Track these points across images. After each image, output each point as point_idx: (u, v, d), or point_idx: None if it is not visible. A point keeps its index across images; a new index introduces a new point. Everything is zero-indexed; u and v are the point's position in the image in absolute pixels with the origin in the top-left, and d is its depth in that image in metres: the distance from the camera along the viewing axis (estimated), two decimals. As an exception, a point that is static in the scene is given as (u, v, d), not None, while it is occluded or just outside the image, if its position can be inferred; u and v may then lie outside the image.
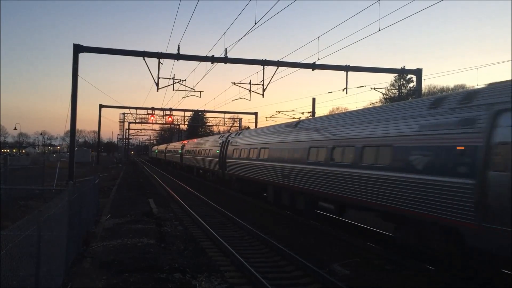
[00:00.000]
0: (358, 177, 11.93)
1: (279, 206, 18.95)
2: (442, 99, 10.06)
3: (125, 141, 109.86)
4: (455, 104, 9.29)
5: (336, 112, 24.47)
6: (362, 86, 30.85)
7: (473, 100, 8.82)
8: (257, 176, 20.96)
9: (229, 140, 27.76)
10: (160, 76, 26.98)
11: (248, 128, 60.43)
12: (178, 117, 68.64)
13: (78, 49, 24.87)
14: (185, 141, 53.35)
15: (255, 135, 23.68)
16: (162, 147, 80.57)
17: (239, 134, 27.46)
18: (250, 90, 30.05)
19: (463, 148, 8.53)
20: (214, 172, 31.96)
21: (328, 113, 27.05)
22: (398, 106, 12.48)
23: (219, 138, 32.47)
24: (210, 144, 34.39)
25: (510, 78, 9.39)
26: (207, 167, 34.29)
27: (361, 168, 11.85)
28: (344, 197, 12.73)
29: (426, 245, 9.90)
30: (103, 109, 63.93)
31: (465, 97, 9.17)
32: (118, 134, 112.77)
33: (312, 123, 17.27)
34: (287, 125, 19.86)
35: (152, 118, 63.19)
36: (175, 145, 60.66)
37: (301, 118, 38.71)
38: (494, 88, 8.78)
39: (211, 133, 79.14)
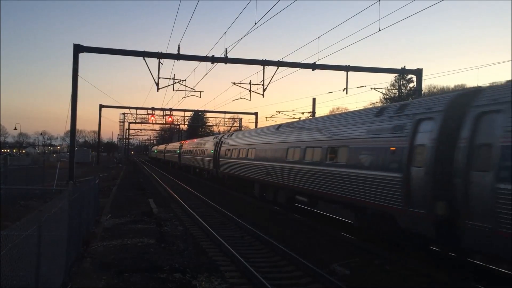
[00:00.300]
0: (323, 173, 14.07)
1: (265, 200, 20.92)
2: (384, 108, 12.37)
3: (125, 141, 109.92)
4: (392, 113, 11.44)
5: (312, 117, 27.61)
6: (362, 86, 30.87)
7: (404, 111, 10.98)
8: (246, 174, 23.07)
9: (222, 141, 29.86)
10: (160, 76, 27.05)
11: (241, 129, 60.92)
12: (178, 117, 68.75)
13: (78, 49, 24.89)
14: (183, 142, 55.45)
15: (244, 136, 26.00)
16: (162, 147, 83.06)
17: (230, 136, 29.44)
18: (250, 90, 30.08)
19: (394, 148, 10.69)
20: (209, 171, 33.78)
21: (326, 114, 28.71)
22: (354, 113, 14.90)
23: (213, 139, 34.37)
24: (205, 145, 36.41)
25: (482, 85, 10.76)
26: (203, 166, 36.42)
27: (325, 166, 13.99)
28: (315, 191, 14.81)
29: (375, 229, 11.84)
30: (103, 109, 64.11)
31: (399, 108, 11.39)
32: (118, 134, 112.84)
33: (290, 127, 19.35)
34: (271, 128, 22.16)
35: (152, 118, 63.25)
36: (174, 146, 63.13)
37: (301, 118, 39.03)
38: (417, 101, 11.29)
39: (211, 133, 79.18)
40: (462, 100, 9.44)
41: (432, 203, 9.25)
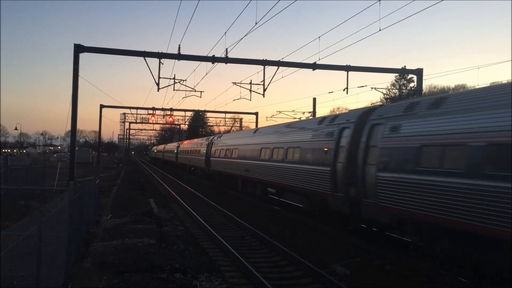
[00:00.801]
0: (285, 168, 17.68)
1: (246, 193, 24.13)
2: (324, 118, 16.28)
3: (126, 141, 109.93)
4: (328, 122, 15.17)
5: (281, 123, 30.98)
6: (362, 86, 30.83)
7: (335, 121, 14.63)
8: (231, 171, 26.59)
9: (212, 142, 33.30)
10: (160, 76, 26.97)
11: (241, 129, 61.34)
12: (179, 117, 68.61)
13: (79, 49, 24.87)
14: (179, 142, 59.48)
15: (230, 138, 29.50)
16: (161, 147, 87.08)
17: (219, 137, 32.88)
18: (250, 90, 30.03)
19: (327, 149, 14.28)
20: (202, 169, 37.40)
21: (318, 116, 31.14)
22: (306, 121, 20.59)
23: (206, 140, 37.57)
24: (199, 145, 39.79)
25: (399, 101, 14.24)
26: (197, 164, 40.05)
27: (286, 163, 17.64)
28: (280, 183, 18.36)
29: (317, 210, 15.25)
30: (103, 109, 63.93)
31: (332, 118, 15.13)
32: (118, 134, 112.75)
33: (264, 130, 23.21)
34: (250, 131, 27.03)
35: (152, 118, 63.14)
36: (172, 146, 67.36)
37: (301, 118, 39.24)
38: (343, 114, 15.20)
39: (212, 133, 79.24)
40: (365, 115, 12.75)
41: (347, 188, 12.70)
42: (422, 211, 9.47)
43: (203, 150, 36.00)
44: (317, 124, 16.06)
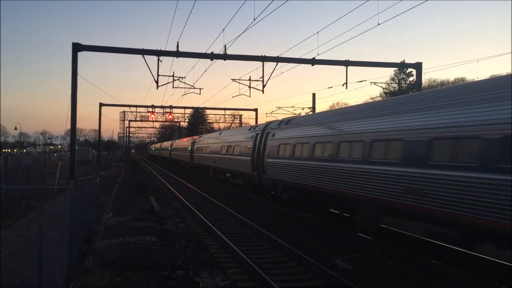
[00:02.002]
0: (231, 159, 26.63)
1: (216, 179, 32.82)
2: (252, 127, 25.58)
3: (126, 139, 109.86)
4: (252, 129, 23.98)
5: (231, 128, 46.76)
6: (362, 81, 30.82)
7: (255, 129, 23.38)
8: (206, 163, 35.74)
9: (194, 141, 42.96)
10: (159, 73, 26.92)
11: (241, 125, 62.07)
12: (179, 115, 68.60)
13: (77, 47, 24.82)
14: (173, 141, 68.60)
15: (206, 137, 38.66)
16: (158, 145, 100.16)
17: (200, 137, 42.63)
18: (250, 87, 29.99)
19: (250, 147, 22.67)
20: (188, 162, 46.37)
21: (305, 114, 35.12)
22: (242, 128, 31.13)
23: (190, 139, 47.25)
24: (185, 144, 49.97)
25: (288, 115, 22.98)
26: (184, 159, 49.01)
27: (231, 155, 26.68)
28: (229, 169, 27.95)
29: (247, 184, 24.04)
30: (103, 108, 63.87)
31: (254, 127, 24.46)
32: (118, 133, 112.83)
33: (223, 133, 33.52)
34: (217, 132, 38.28)
35: (152, 116, 63.11)
36: (166, 144, 77.25)
37: (300, 114, 39.35)
38: (258, 125, 25.25)
39: (212, 129, 79.30)
40: (265, 126, 21.97)
41: (257, 169, 21.49)
42: (284, 177, 17.68)
43: (189, 147, 44.80)
44: (247, 130, 25.08)
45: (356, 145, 12.21)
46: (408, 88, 57.93)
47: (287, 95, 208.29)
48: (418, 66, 28.69)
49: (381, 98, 48.97)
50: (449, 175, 8.81)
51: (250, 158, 22.33)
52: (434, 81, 66.94)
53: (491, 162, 7.94)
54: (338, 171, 13.05)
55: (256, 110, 62.54)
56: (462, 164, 8.57)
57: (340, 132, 13.38)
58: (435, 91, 10.77)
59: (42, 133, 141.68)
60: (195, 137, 46.86)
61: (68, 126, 25.91)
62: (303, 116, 21.74)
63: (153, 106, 60.83)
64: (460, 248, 9.88)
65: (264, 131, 20.96)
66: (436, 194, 9.08)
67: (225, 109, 64.32)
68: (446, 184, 8.86)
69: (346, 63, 27.69)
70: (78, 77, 24.82)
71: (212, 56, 26.36)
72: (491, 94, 8.44)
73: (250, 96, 31.48)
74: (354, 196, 12.35)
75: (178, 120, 74.16)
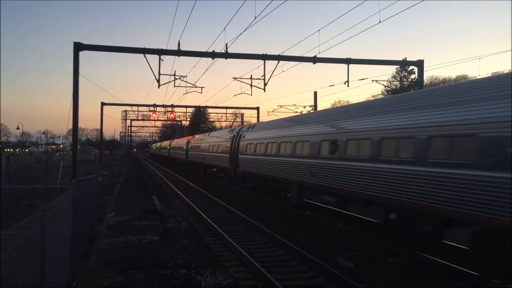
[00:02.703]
0: (215, 156, 32.23)
1: (206, 173, 38.63)
2: (230, 129, 31.00)
3: (128, 139, 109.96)
4: (231, 131, 29.17)
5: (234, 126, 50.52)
6: (363, 79, 30.78)
7: (233, 131, 28.56)
8: (197, 160, 41.87)
9: (189, 141, 49.10)
10: (161, 72, 27.02)
11: (242, 124, 62.28)
12: (180, 113, 68.71)
13: (79, 47, 24.87)
14: (171, 141, 75.05)
15: (197, 138, 44.45)
16: (157, 145, 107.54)
17: (193, 138, 48.88)
18: (251, 85, 30.01)
19: (229, 146, 27.56)
20: (183, 160, 53.75)
21: (289, 116, 36.93)
22: (224, 130, 36.58)
23: (186, 139, 53.33)
24: (181, 143, 56.33)
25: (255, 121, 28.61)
26: (181, 157, 55.70)
27: (215, 153, 32.30)
28: (215, 164, 33.01)
29: (225, 176, 30.18)
30: (105, 107, 64.07)
31: (232, 129, 29.65)
32: (120, 132, 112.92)
33: (212, 133, 38.97)
34: (206, 134, 42.36)
35: (154, 115, 63.13)
36: (165, 144, 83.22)
37: (302, 112, 39.46)
38: (236, 127, 30.56)
39: (214, 128, 79.41)
40: (240, 129, 26.73)
41: (233, 163, 26.11)
42: (252, 170, 22.10)
43: (184, 146, 51.76)
44: (228, 132, 30.14)
45: (283, 145, 17.99)
46: (410, 86, 57.84)
47: (289, 94, 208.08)
48: (419, 64, 28.67)
49: (382, 96, 48.87)
50: (330, 162, 13.89)
51: (228, 155, 27.66)
52: (436, 78, 66.86)
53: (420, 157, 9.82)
54: (278, 163, 18.41)
55: (257, 108, 62.55)
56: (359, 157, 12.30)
57: (278, 136, 18.99)
58: (349, 107, 15.36)
59: (44, 133, 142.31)
60: (189, 137, 54.07)
61: (70, 126, 26.01)
62: (263, 122, 26.52)
63: (154, 105, 60.84)
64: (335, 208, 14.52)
65: (238, 133, 26.28)
66: (323, 175, 14.14)
67: (226, 107, 64.37)
68: (329, 167, 13.86)
69: (348, 61, 27.67)
70: (80, 77, 24.90)
71: (213, 55, 26.38)
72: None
73: (251, 95, 31.49)
74: (287, 180, 17.67)
75: (180, 119, 74.18)
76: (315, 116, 16.93)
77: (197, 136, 47.12)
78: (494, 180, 7.78)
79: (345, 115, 13.92)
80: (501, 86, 8.28)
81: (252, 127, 25.07)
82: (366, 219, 13.06)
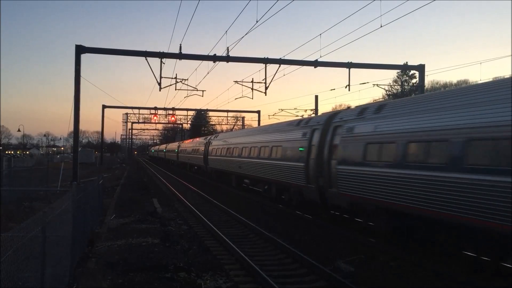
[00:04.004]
0: (192, 157, 43.37)
1: (190, 170, 46.68)
2: (205, 137, 38.81)
3: (128, 141, 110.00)
4: (205, 139, 37.30)
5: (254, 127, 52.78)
6: (364, 83, 30.77)
7: (205, 139, 36.53)
8: (186, 161, 48.19)
9: (180, 145, 56.67)
10: (162, 75, 26.97)
11: (243, 127, 62.86)
12: (181, 117, 68.61)
13: (80, 50, 24.90)
14: (166, 144, 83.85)
15: (187, 143, 51.13)
16: (156, 148, 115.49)
17: (182, 142, 57.14)
18: (252, 89, 30.03)
19: (203, 149, 34.38)
20: (175, 161, 60.88)
21: (300, 117, 35.55)
22: (201, 138, 45.84)
23: (178, 143, 61.12)
24: (173, 147, 64.70)
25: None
26: (173, 159, 62.92)
27: (193, 155, 42.80)
28: (191, 163, 44.63)
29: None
30: (106, 110, 63.96)
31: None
32: (121, 134, 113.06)
33: (193, 142, 45.75)
34: (195, 139, 47.44)
35: (155, 117, 63.13)
36: (162, 147, 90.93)
37: (303, 116, 39.58)
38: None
39: (214, 131, 79.52)
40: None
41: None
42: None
43: (175, 149, 59.14)
44: (203, 139, 33.67)
45: (245, 149, 24.12)
46: (411, 90, 57.87)
47: (290, 97, 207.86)
48: (421, 68, 28.66)
49: (383, 99, 48.90)
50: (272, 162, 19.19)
51: (203, 156, 35.17)
52: (437, 83, 66.88)
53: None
54: (229, 161, 27.37)
55: (258, 112, 62.57)
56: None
57: (259, 140, 22.59)
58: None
59: (45, 135, 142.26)
60: (179, 142, 62.37)
61: (71, 128, 25.90)
62: (223, 133, 35.16)
63: (155, 108, 60.88)
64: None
65: (209, 140, 31.41)
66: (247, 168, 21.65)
67: (227, 111, 64.34)
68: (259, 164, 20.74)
69: (349, 65, 27.69)
70: (81, 79, 24.90)
71: (214, 58, 26.40)
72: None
73: (252, 98, 31.51)
74: (239, 174, 25.40)
75: (181, 122, 74.22)
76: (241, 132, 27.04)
77: (186, 141, 56.18)
78: None
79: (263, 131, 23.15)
80: None
81: (216, 136, 34.84)
82: (364, 221, 13.04)
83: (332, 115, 15.21)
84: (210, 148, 34.21)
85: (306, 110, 45.38)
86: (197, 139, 47.67)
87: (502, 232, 7.72)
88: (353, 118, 13.28)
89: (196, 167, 43.25)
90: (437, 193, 9.09)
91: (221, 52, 28.43)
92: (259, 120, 62.09)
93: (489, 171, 7.99)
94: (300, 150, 16.49)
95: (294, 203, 17.71)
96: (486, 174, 8.01)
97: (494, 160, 8.00)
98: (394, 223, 11.34)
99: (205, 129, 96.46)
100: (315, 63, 27.06)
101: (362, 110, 13.20)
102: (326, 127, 14.95)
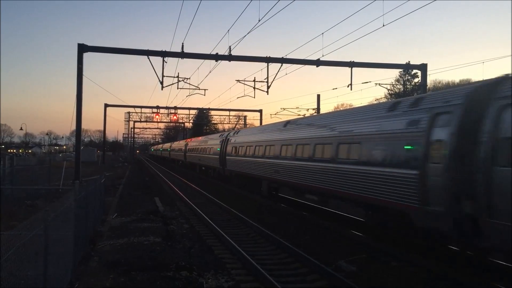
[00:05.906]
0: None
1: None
2: (220, 134, 35.84)
3: (131, 140, 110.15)
4: (220, 136, 34.06)
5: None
6: (367, 82, 30.85)
7: (222, 136, 32.67)
8: (193, 161, 45.70)
9: (188, 143, 52.12)
10: (164, 74, 27.01)
11: (245, 126, 62.10)
12: (183, 115, 68.73)
13: (83, 48, 24.93)
14: (169, 144, 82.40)
15: (193, 142, 48.68)
16: (155, 147, 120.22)
17: (191, 140, 53.11)
18: (254, 88, 30.04)
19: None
20: (180, 160, 57.56)
21: (310, 115, 35.32)
22: (215, 135, 40.23)
23: (184, 141, 57.43)
24: (176, 145, 62.72)
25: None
26: (178, 158, 60.38)
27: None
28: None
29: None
30: (108, 108, 64.06)
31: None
32: (123, 133, 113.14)
33: (205, 139, 41.48)
34: (196, 138, 48.79)
35: (157, 116, 63.22)
36: (162, 146, 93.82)
37: (305, 115, 39.54)
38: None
39: (216, 130, 79.59)
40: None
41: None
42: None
43: (179, 148, 58.28)
44: (218, 136, 33.53)
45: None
46: (413, 89, 57.77)
47: (292, 96, 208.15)
48: (423, 68, 28.60)
49: (386, 99, 48.75)
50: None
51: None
52: (439, 82, 66.70)
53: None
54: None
55: (260, 111, 62.58)
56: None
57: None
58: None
59: (47, 134, 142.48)
60: (188, 140, 58.38)
61: (73, 127, 26.03)
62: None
63: (157, 107, 60.95)
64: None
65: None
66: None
67: (229, 110, 64.38)
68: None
69: (351, 64, 27.66)
70: (84, 78, 24.96)
71: (217, 57, 26.40)
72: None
73: (254, 97, 31.70)
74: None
75: (183, 121, 74.28)
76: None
77: (194, 139, 52.74)
78: None
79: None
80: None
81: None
82: (367, 222, 13.02)
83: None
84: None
85: (308, 109, 45.39)
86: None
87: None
88: None
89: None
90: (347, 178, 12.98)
91: (223, 51, 28.47)
92: (261, 119, 62.10)
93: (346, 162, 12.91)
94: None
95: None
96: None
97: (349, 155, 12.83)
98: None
99: (207, 128, 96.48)
100: (317, 62, 27.03)
101: None
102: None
